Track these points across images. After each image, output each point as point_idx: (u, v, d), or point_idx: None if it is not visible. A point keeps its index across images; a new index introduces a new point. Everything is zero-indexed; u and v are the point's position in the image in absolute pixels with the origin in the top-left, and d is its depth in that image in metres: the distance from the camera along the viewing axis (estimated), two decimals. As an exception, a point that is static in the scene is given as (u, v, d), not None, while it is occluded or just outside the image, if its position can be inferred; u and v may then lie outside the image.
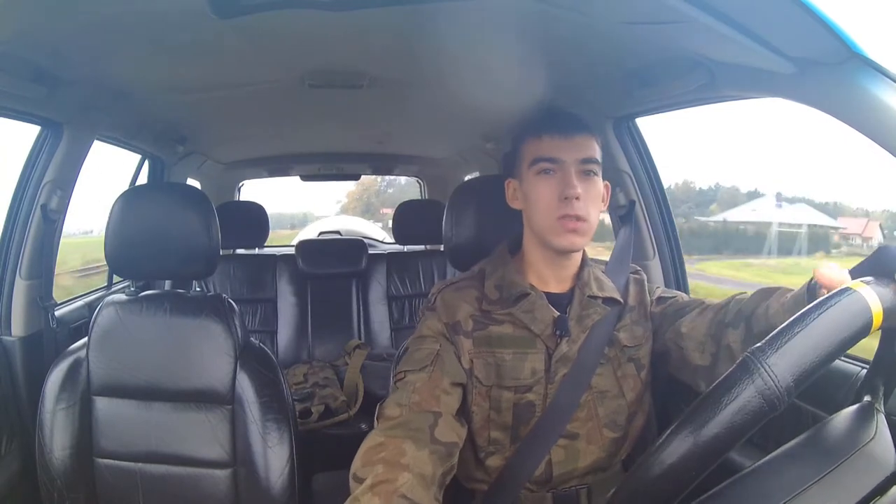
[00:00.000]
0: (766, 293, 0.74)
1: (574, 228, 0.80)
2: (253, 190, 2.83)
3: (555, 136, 0.81)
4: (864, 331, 0.45)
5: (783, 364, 0.42)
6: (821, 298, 0.46)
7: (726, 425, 0.42)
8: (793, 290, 0.69)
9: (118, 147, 1.67)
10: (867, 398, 0.54)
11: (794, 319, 0.44)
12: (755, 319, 0.73)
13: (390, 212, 3.29)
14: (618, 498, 0.47)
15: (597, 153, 0.83)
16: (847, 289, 0.46)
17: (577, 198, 0.79)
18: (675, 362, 0.86)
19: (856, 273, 0.54)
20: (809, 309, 0.45)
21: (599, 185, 0.83)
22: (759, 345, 0.44)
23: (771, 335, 0.44)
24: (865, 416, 0.52)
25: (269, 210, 2.40)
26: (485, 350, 0.83)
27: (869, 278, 0.47)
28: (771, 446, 0.53)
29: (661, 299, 0.91)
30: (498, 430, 0.83)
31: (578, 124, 0.83)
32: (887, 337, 0.53)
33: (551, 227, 0.81)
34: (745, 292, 0.80)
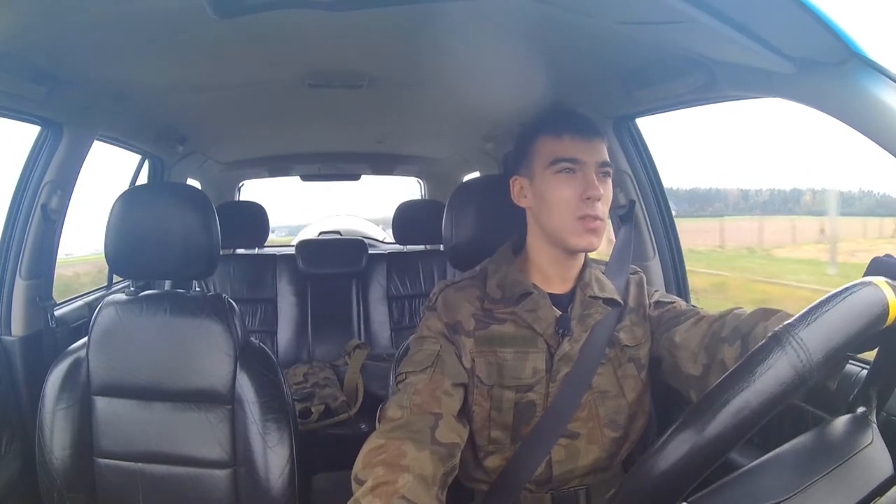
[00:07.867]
0: (766, 314, 0.74)
1: (594, 228, 0.81)
2: (278, 198, 2.78)
3: (575, 136, 0.82)
4: (882, 319, 0.46)
5: (814, 339, 0.43)
6: (845, 286, 0.47)
7: (760, 394, 0.42)
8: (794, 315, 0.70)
9: (118, 147, 1.67)
10: (861, 409, 0.55)
11: (821, 301, 0.45)
12: (752, 339, 0.73)
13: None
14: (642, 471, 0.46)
15: (608, 157, 0.84)
16: (867, 281, 0.47)
17: (598, 199, 0.80)
18: (667, 369, 0.86)
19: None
20: (835, 293, 0.46)
21: (611, 187, 0.85)
22: (789, 321, 0.45)
23: (801, 313, 0.45)
24: (861, 424, 0.53)
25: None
26: (486, 349, 0.84)
27: (881, 277, 0.48)
28: (771, 446, 0.53)
29: (658, 303, 0.91)
30: (498, 430, 0.83)
31: (595, 127, 0.84)
32: (884, 350, 0.55)
33: (570, 226, 0.81)
34: (742, 308, 0.80)
